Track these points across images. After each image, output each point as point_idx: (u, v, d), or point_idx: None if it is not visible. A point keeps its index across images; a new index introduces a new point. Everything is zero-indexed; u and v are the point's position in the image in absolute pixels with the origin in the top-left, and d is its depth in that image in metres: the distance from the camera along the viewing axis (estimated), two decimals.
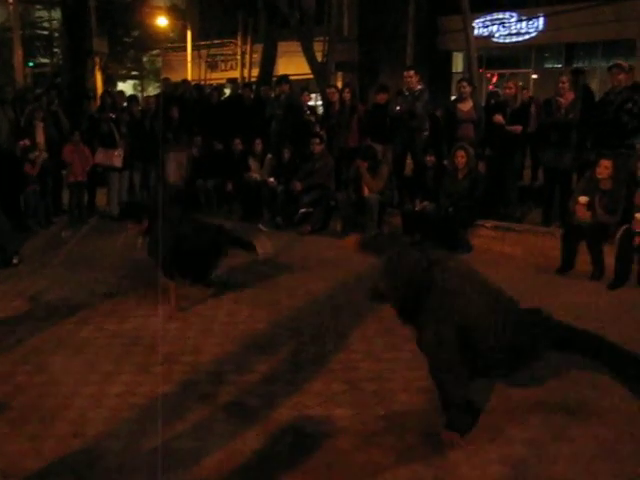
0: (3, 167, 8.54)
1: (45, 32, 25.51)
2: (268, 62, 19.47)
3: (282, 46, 19.78)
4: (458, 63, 23.04)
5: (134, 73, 30.09)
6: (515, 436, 3.50)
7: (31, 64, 23.78)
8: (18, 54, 16.40)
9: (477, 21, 20.54)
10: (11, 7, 16.96)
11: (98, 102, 10.96)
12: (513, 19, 21.26)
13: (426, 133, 9.04)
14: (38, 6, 24.65)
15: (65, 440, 3.47)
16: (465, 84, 8.75)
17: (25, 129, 9.14)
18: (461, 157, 7.79)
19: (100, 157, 9.69)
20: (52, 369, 4.38)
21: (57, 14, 22.43)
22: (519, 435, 3.51)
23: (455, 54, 22.85)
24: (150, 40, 26.69)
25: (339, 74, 21.58)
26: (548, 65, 22.50)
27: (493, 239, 7.89)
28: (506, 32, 21.46)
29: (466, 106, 8.56)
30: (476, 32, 19.24)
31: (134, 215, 5.83)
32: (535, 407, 3.81)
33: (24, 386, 4.11)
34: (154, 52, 29.24)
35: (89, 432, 3.55)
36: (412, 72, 9.02)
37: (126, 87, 26.77)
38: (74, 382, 4.16)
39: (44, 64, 25.63)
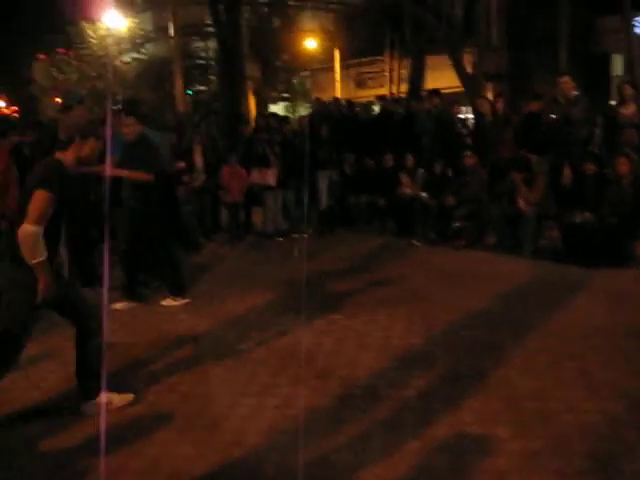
0: (166, 190, 9.04)
1: (202, 61, 26.99)
2: (417, 76, 19.46)
3: (430, 60, 19.66)
4: (617, 65, 21.80)
5: (285, 95, 31.07)
6: None
7: (190, 92, 25.21)
8: (179, 84, 17.41)
9: (637, 19, 19.36)
10: (172, 41, 18.08)
11: (252, 125, 11.39)
12: None
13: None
14: (195, 37, 26.15)
15: (227, 448, 3.57)
16: (628, 87, 8.34)
17: (184, 153, 9.68)
18: (624, 164, 7.35)
19: (255, 177, 10.05)
20: (214, 380, 4.55)
21: (213, 44, 23.68)
22: None
23: (614, 56, 21.64)
24: (299, 62, 27.47)
25: (489, 85, 21.11)
26: None
27: None
28: None
29: (629, 109, 8.11)
30: (637, 31, 18.16)
31: None
32: None
33: (189, 395, 4.30)
34: (303, 73, 30.06)
35: (249, 442, 3.64)
36: (567, 78, 8.66)
37: (277, 109, 27.65)
38: (234, 393, 4.29)
39: (201, 91, 27.07)
